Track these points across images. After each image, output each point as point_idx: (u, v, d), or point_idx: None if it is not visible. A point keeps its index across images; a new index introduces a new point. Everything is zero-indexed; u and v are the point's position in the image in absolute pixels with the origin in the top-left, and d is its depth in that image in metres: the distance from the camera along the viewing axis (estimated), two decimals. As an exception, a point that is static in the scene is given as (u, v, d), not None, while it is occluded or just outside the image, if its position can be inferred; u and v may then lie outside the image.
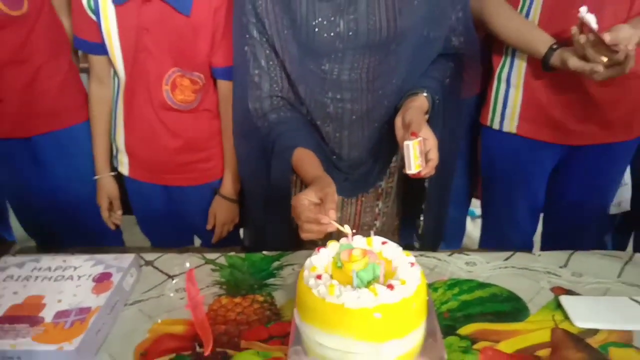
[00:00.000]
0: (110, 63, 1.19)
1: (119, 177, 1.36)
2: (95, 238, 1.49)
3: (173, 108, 1.18)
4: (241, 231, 1.42)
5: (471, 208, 1.94)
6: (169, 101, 1.17)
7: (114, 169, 1.34)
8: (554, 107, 1.22)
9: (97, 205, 1.38)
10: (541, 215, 1.48)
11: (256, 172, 1.07)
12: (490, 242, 1.50)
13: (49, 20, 1.31)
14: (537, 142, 1.27)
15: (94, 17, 1.13)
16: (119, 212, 1.38)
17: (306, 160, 0.95)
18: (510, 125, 1.28)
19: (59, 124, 1.39)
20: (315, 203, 0.78)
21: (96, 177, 1.34)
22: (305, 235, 0.79)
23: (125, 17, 1.10)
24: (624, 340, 0.73)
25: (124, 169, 1.31)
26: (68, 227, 1.50)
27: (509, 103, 1.27)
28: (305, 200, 0.78)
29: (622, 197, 1.39)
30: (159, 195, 1.34)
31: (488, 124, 1.32)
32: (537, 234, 1.48)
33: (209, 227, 1.34)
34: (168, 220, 1.39)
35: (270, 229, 1.09)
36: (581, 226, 1.34)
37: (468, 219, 2.08)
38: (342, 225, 0.69)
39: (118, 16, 1.11)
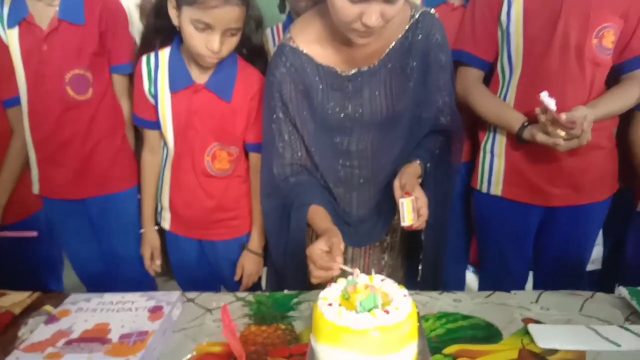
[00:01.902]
0: (162, 136, 1.36)
1: (160, 231, 1.48)
2: (132, 286, 1.64)
3: (211, 175, 1.34)
4: (263, 283, 1.54)
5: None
6: (209, 169, 1.33)
7: (157, 223, 1.48)
8: (532, 173, 1.38)
9: (138, 257, 1.50)
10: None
11: (278, 225, 1.21)
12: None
13: (109, 104, 1.50)
14: (521, 204, 1.42)
15: (152, 100, 1.32)
16: (158, 262, 1.49)
17: (318, 215, 1.09)
18: (496, 189, 1.44)
19: (107, 189, 1.56)
20: (326, 251, 0.94)
21: (142, 231, 1.47)
22: (314, 280, 0.94)
23: (178, 102, 1.29)
24: (578, 358, 0.85)
25: (166, 224, 1.45)
26: (113, 276, 1.65)
27: (494, 170, 1.44)
28: (318, 250, 0.94)
29: (596, 256, 1.52)
30: (193, 248, 1.47)
31: (478, 187, 1.48)
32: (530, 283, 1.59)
33: (237, 278, 1.45)
34: (200, 270, 1.51)
35: (289, 273, 1.20)
36: (563, 279, 1.44)
37: (474, 276, 2.21)
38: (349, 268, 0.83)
39: (173, 101, 1.29)
